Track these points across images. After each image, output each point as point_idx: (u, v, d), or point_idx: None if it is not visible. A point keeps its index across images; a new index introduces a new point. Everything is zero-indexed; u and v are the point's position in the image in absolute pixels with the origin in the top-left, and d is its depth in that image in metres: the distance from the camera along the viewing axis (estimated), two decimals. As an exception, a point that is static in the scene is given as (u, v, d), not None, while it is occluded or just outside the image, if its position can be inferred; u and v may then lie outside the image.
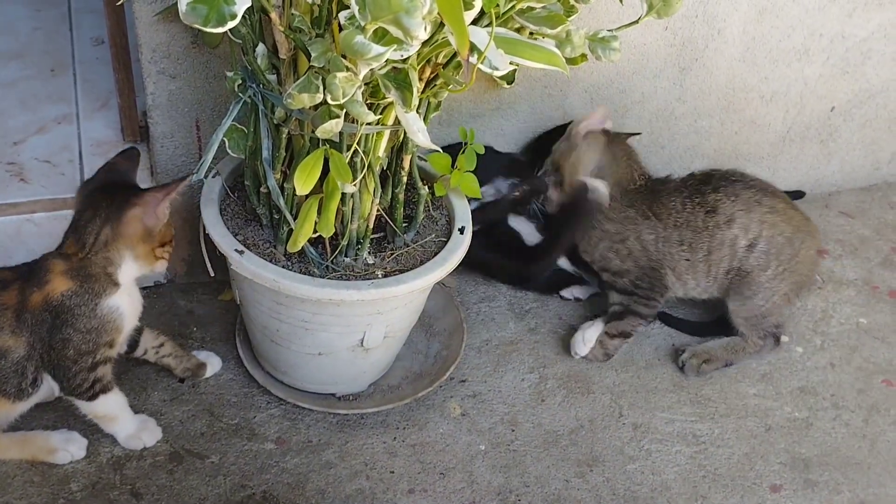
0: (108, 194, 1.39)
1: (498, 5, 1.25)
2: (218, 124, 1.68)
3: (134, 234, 1.39)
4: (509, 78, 1.64)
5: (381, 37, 1.02)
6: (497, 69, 1.20)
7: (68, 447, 1.50)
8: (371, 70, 1.15)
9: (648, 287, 1.74)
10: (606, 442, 1.65)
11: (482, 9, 1.19)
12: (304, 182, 1.28)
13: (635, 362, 1.81)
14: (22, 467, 1.48)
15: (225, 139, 1.45)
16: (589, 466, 1.60)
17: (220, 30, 1.01)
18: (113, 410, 1.50)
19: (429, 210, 1.62)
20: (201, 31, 1.57)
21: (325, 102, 1.20)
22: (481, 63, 1.17)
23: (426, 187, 1.56)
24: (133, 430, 1.53)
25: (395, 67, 1.15)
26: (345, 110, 1.25)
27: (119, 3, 1.32)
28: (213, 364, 1.67)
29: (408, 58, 1.11)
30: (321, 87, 1.19)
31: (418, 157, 1.59)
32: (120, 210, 1.37)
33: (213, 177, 1.55)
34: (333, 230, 1.35)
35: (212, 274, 1.57)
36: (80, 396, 1.45)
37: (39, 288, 1.37)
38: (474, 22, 1.23)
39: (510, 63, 1.23)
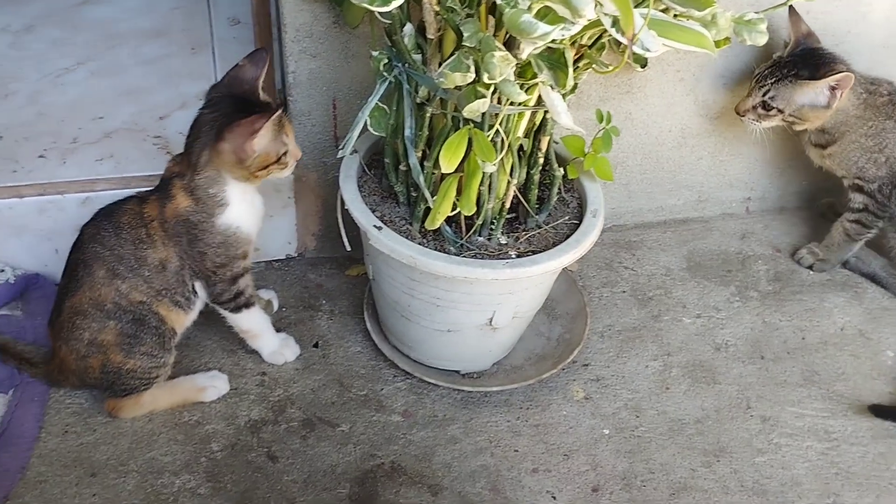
0: (215, 113, 1.43)
1: (648, -14, 1.23)
2: (353, 103, 1.74)
3: (227, 161, 1.43)
4: (643, 61, 1.62)
5: (544, 16, 1.02)
6: (649, 51, 1.19)
7: (214, 383, 1.61)
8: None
9: (888, 195, 1.85)
10: (733, 433, 1.62)
11: (636, -11, 1.18)
12: (449, 160, 1.30)
13: (763, 355, 1.78)
14: (167, 425, 1.57)
15: (367, 117, 1.48)
16: (715, 457, 1.58)
17: (384, 9, 1.04)
18: (256, 326, 1.63)
19: (560, 193, 1.62)
20: (343, 12, 1.62)
21: (474, 82, 1.22)
22: (635, 45, 1.16)
23: (561, 169, 1.56)
24: (276, 346, 1.68)
25: (549, 47, 1.15)
26: (490, 90, 1.26)
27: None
28: (275, 300, 1.80)
29: (562, 38, 1.11)
30: (472, 67, 1.20)
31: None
32: (215, 138, 1.42)
33: (352, 154, 1.59)
34: (475, 208, 1.37)
35: (348, 248, 1.61)
36: (225, 306, 1.57)
37: (170, 201, 1.47)
38: (626, 3, 1.22)
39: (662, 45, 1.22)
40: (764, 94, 1.79)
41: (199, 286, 1.54)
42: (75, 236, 1.51)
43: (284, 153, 1.46)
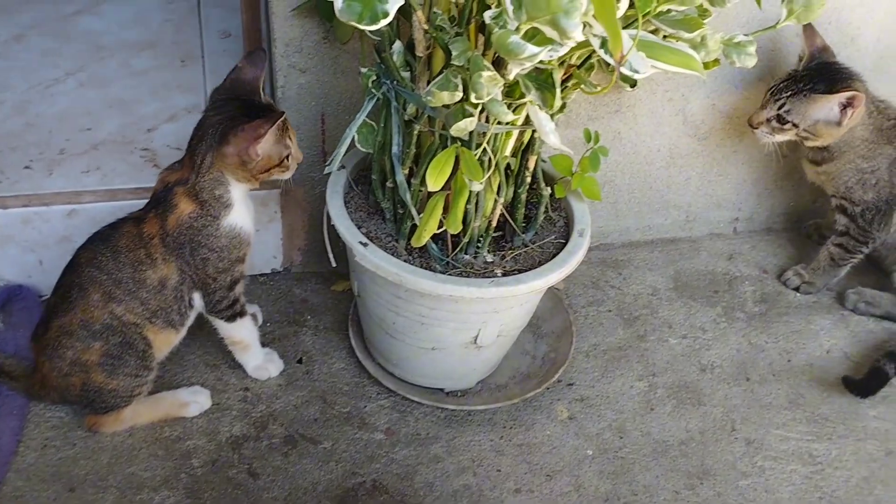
0: (220, 116, 1.44)
1: (636, 8, 1.23)
2: (342, 119, 1.74)
3: (231, 164, 1.44)
4: (632, 81, 1.62)
5: (532, 37, 1.02)
6: (637, 72, 1.19)
7: (197, 398, 1.61)
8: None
9: (870, 221, 1.85)
10: (718, 456, 1.62)
11: (625, 11, 1.18)
12: (435, 178, 1.29)
13: (749, 377, 1.77)
14: (147, 440, 1.55)
15: (355, 134, 1.48)
16: (699, 479, 1.58)
17: (372, 27, 1.03)
18: (247, 337, 1.63)
19: (548, 211, 1.62)
20: (333, 27, 1.62)
21: (463, 100, 1.21)
22: (623, 66, 1.16)
23: (548, 188, 1.56)
24: (261, 360, 1.67)
25: (537, 68, 1.15)
26: (478, 109, 1.26)
27: (263, -3, 1.37)
28: (259, 315, 1.79)
29: (550, 59, 1.11)
30: (460, 86, 1.20)
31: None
32: (219, 142, 1.43)
33: (339, 170, 1.59)
34: (461, 227, 1.37)
35: (333, 264, 1.60)
36: (221, 315, 1.57)
37: (172, 211, 1.46)
38: (614, 24, 1.22)
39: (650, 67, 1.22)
40: (780, 108, 1.76)
41: (196, 297, 1.54)
42: (61, 250, 1.50)
43: (287, 156, 1.48)
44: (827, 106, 1.74)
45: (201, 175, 1.45)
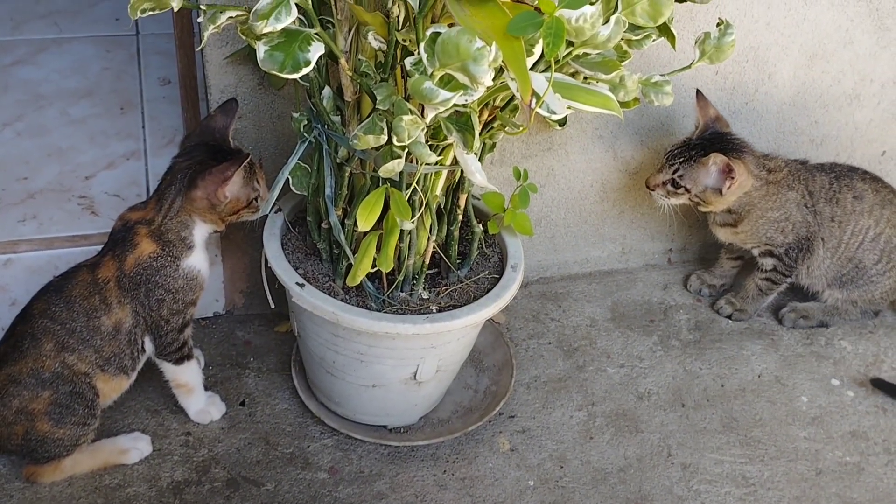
0: (189, 161, 1.50)
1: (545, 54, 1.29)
2: (280, 162, 1.76)
3: (200, 207, 1.50)
4: (562, 120, 1.68)
5: (447, 82, 1.07)
6: (554, 113, 1.24)
7: (137, 445, 1.60)
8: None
9: (795, 258, 1.94)
10: (655, 481, 1.66)
11: (541, 54, 1.24)
12: (365, 219, 1.33)
13: (684, 403, 1.82)
14: (87, 489, 1.54)
15: (289, 177, 1.51)
16: (637, 505, 1.61)
17: (294, 76, 1.07)
18: (192, 380, 1.64)
19: (482, 247, 1.66)
20: (268, 74, 1.65)
21: (388, 143, 1.25)
22: (539, 107, 1.21)
23: (480, 225, 1.61)
24: (203, 404, 1.67)
25: (457, 111, 1.20)
26: (406, 151, 1.30)
27: (199, 48, 1.39)
28: (201, 358, 1.78)
29: (466, 103, 1.16)
30: (385, 129, 1.24)
31: (473, 196, 1.64)
32: (188, 186, 1.48)
33: (276, 212, 1.61)
34: (392, 265, 1.40)
35: (272, 306, 1.62)
36: (170, 357, 1.58)
37: (131, 251, 1.49)
38: (532, 67, 1.28)
39: (566, 107, 1.27)
40: (674, 173, 1.83)
41: (147, 341, 1.55)
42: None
43: (255, 198, 1.53)
44: (708, 170, 1.80)
45: (168, 217, 1.49)
